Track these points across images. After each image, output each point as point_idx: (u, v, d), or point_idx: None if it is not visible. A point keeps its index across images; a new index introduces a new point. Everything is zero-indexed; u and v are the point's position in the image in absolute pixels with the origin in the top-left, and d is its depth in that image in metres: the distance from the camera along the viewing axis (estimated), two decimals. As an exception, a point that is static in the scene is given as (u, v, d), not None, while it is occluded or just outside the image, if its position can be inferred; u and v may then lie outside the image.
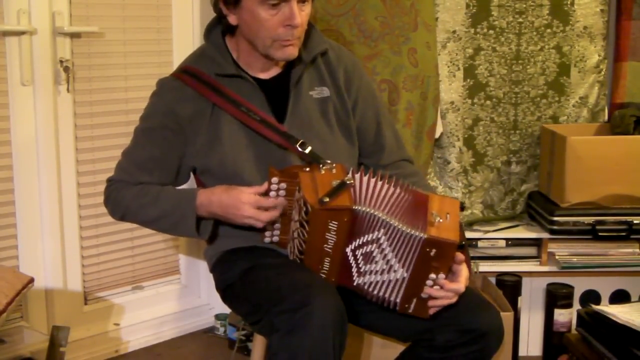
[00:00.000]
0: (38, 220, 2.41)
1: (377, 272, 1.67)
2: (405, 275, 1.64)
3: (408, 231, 1.60)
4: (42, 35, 2.32)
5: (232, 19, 1.77)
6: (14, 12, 2.27)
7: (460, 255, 1.66)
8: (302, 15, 1.73)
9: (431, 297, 1.66)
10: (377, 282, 1.67)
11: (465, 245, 1.69)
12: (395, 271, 1.65)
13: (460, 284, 1.67)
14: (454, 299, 1.67)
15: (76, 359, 2.50)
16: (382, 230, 1.63)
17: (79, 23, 2.42)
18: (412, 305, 1.67)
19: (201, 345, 2.72)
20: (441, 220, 1.61)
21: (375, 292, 1.69)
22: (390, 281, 1.66)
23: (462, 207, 1.69)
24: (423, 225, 1.60)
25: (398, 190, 1.68)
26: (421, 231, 1.60)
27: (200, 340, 2.76)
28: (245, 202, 1.71)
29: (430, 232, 1.59)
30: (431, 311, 1.68)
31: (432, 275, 1.63)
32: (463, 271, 1.68)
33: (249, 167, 1.80)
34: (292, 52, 1.77)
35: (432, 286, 1.64)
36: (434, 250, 1.60)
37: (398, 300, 1.67)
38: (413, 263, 1.62)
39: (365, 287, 1.69)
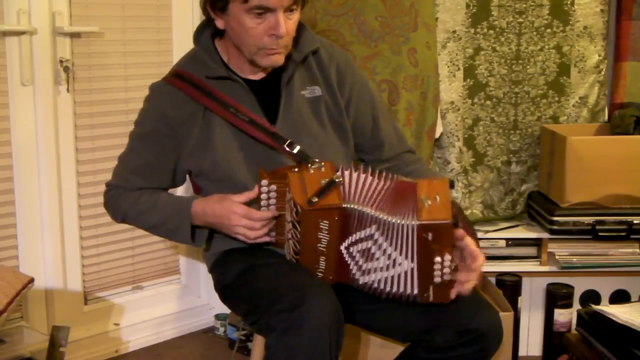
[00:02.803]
0: (38, 220, 2.42)
1: (381, 268, 1.66)
2: (412, 265, 1.63)
3: (400, 222, 1.60)
4: (42, 35, 2.33)
5: (219, 23, 1.77)
6: (14, 12, 2.27)
7: (460, 232, 1.64)
8: (288, 24, 1.72)
9: (445, 281, 1.63)
10: (386, 278, 1.66)
11: (461, 220, 1.67)
12: (400, 264, 1.64)
13: (479, 258, 1.64)
14: (476, 275, 1.65)
15: (76, 359, 2.50)
16: (374, 226, 1.63)
17: (79, 23, 2.42)
18: (431, 294, 1.65)
19: (201, 345, 2.73)
20: (431, 203, 1.60)
21: (389, 289, 1.67)
22: (399, 275, 1.65)
23: (452, 185, 1.68)
24: (413, 213, 1.60)
25: (385, 183, 1.68)
26: (413, 219, 1.59)
27: (200, 340, 2.77)
28: (236, 213, 1.72)
29: (421, 218, 1.59)
30: (452, 295, 1.65)
31: (438, 259, 1.61)
32: (470, 245, 1.64)
33: (241, 169, 1.80)
34: (278, 59, 1.76)
35: (441, 270, 1.62)
36: (430, 234, 1.59)
37: (416, 292, 1.66)
38: (415, 252, 1.62)
39: (375, 285, 1.68)
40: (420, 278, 1.64)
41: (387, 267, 1.65)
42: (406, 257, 1.63)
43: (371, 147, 1.97)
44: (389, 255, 1.64)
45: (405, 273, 1.64)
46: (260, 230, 1.74)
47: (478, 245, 1.70)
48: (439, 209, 1.60)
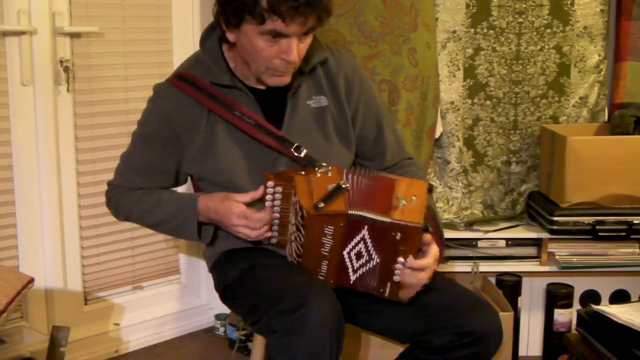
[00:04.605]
0: (38, 220, 2.41)
1: (363, 265, 1.68)
2: (379, 260, 1.65)
3: (377, 218, 1.61)
4: (42, 35, 2.32)
5: (230, 37, 1.74)
6: (14, 12, 2.27)
7: (427, 237, 1.65)
8: (300, 47, 1.70)
9: (403, 282, 1.66)
10: (364, 272, 1.69)
11: (432, 226, 1.69)
12: (373, 259, 1.66)
13: (428, 259, 1.66)
14: (424, 277, 1.67)
15: (76, 359, 2.50)
16: (366, 227, 1.64)
17: (79, 23, 2.42)
18: (387, 290, 1.68)
19: (201, 345, 2.73)
20: (405, 204, 1.61)
21: (361, 283, 1.69)
22: (370, 269, 1.67)
23: (430, 189, 1.69)
24: (387, 210, 1.61)
25: (370, 182, 1.69)
26: (385, 216, 1.60)
27: (200, 340, 2.77)
28: (235, 213, 1.72)
29: (393, 217, 1.60)
30: (402, 294, 1.68)
31: (401, 259, 1.63)
32: (432, 250, 1.68)
33: (243, 176, 1.80)
34: (284, 80, 1.76)
35: (402, 270, 1.64)
36: (399, 234, 1.60)
37: (375, 284, 1.68)
38: (383, 248, 1.64)
39: (357, 282, 1.70)
40: (381, 272, 1.66)
41: (366, 262, 1.67)
42: (377, 252, 1.65)
43: (373, 154, 1.97)
44: (370, 252, 1.66)
45: (374, 267, 1.67)
46: (261, 229, 1.74)
47: (442, 253, 1.73)
48: (413, 211, 1.61)
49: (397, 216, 1.60)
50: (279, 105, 1.83)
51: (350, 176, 1.69)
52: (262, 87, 1.83)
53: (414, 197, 1.63)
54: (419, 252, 1.66)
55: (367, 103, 1.93)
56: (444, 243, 1.82)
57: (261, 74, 1.74)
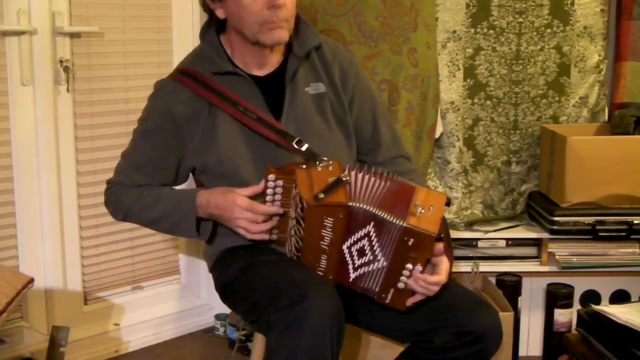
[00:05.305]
0: (38, 220, 2.41)
1: (365, 264, 1.68)
2: (385, 264, 1.65)
3: (390, 219, 1.61)
4: (42, 35, 2.33)
5: (220, 13, 1.79)
6: (14, 12, 2.27)
7: (439, 247, 1.65)
8: None
9: (407, 289, 1.66)
10: (365, 272, 1.68)
11: (445, 239, 1.69)
12: (378, 260, 1.66)
13: (441, 276, 1.67)
14: (434, 290, 1.67)
15: (76, 359, 2.50)
16: (372, 223, 1.64)
17: (79, 23, 2.42)
18: (389, 296, 1.68)
19: (201, 345, 2.73)
20: (423, 212, 1.61)
21: (362, 284, 1.69)
22: (373, 271, 1.67)
23: (448, 203, 1.69)
24: (404, 215, 1.61)
25: (386, 183, 1.69)
26: (401, 220, 1.60)
27: (200, 340, 2.76)
28: (239, 205, 1.72)
29: (409, 222, 1.60)
30: (408, 303, 1.68)
31: (409, 266, 1.63)
32: (443, 263, 1.68)
33: (246, 166, 1.81)
34: (281, 34, 1.76)
35: (408, 277, 1.64)
36: (411, 240, 1.60)
37: (377, 289, 1.68)
38: (392, 252, 1.63)
39: (357, 281, 1.70)
40: (386, 278, 1.66)
41: (369, 262, 1.67)
42: (384, 255, 1.65)
43: (368, 148, 1.97)
44: (374, 251, 1.66)
45: (378, 270, 1.67)
46: (262, 225, 1.74)
47: (451, 268, 1.73)
48: (429, 220, 1.61)
49: (413, 222, 1.60)
50: (278, 92, 1.84)
51: (354, 172, 1.69)
52: (261, 74, 1.85)
53: (431, 207, 1.63)
54: (428, 263, 1.66)
55: (363, 94, 1.95)
56: (453, 259, 1.82)
57: (257, 33, 1.75)
